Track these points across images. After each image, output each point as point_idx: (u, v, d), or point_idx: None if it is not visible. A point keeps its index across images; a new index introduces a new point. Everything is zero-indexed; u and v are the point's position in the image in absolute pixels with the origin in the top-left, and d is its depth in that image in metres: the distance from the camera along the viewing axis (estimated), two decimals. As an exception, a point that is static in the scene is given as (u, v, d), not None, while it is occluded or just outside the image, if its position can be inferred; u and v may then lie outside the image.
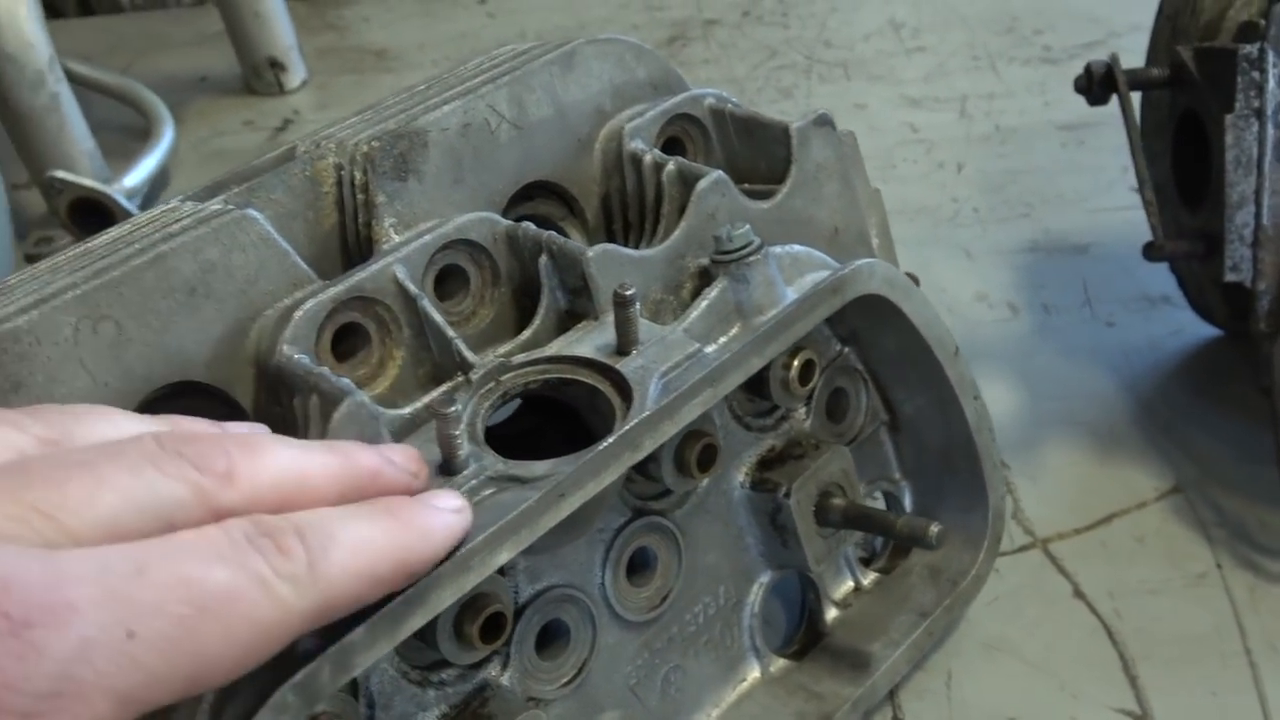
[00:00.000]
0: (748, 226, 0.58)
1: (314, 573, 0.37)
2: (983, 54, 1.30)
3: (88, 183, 1.08)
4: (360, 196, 0.60)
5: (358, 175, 0.60)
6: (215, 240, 0.54)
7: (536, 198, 0.67)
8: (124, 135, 1.30)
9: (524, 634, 0.55)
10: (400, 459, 0.45)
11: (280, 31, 1.38)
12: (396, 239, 0.59)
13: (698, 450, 0.57)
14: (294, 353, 0.53)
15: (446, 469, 0.49)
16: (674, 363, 0.54)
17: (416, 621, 0.45)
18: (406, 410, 0.53)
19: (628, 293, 0.53)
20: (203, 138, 1.33)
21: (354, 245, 0.61)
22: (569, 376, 0.55)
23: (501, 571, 0.54)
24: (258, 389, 0.55)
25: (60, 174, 1.09)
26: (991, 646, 0.69)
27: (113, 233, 0.58)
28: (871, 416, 0.69)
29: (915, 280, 0.75)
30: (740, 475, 0.63)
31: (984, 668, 0.68)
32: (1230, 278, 0.70)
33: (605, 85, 0.67)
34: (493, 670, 0.54)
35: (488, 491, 0.49)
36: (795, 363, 0.61)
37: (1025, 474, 0.79)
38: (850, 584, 0.70)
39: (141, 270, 0.52)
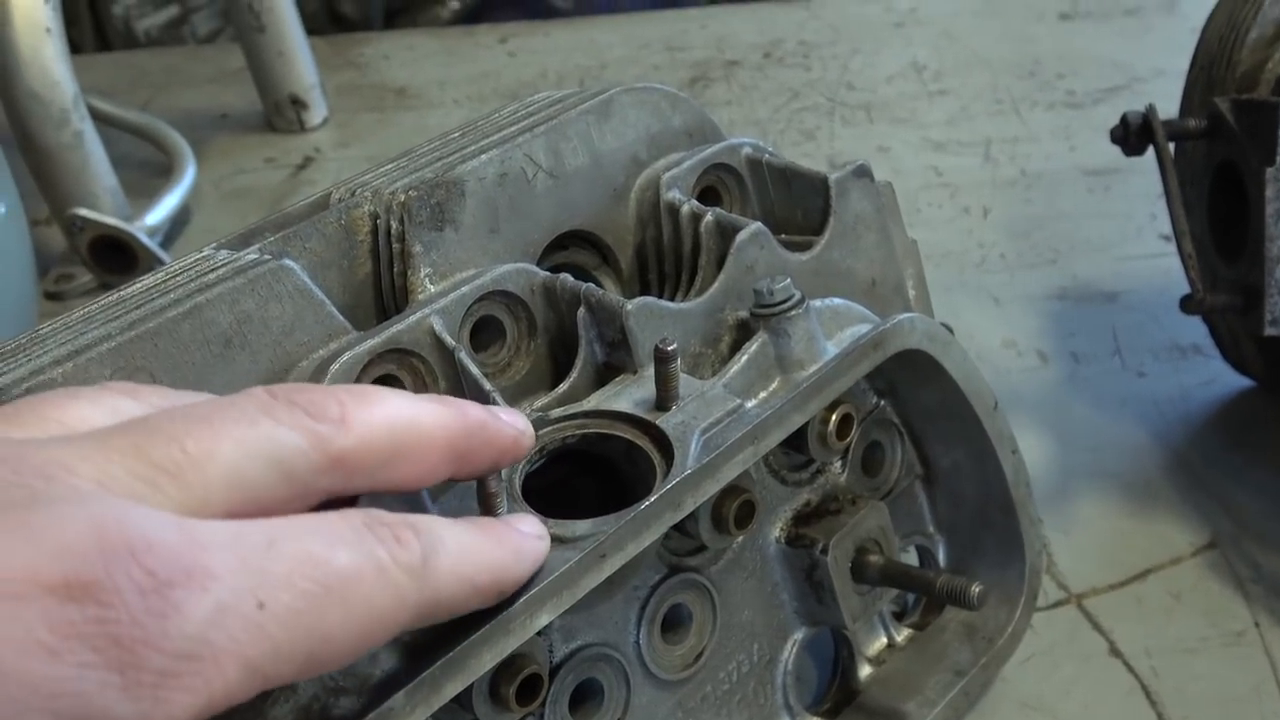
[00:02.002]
0: (788, 280, 0.57)
1: (426, 567, 0.37)
2: (1006, 98, 1.30)
3: (109, 220, 1.08)
4: (396, 246, 0.59)
5: (394, 224, 0.59)
6: (252, 291, 0.54)
7: (571, 246, 0.67)
8: (145, 172, 1.29)
9: (558, 694, 0.54)
10: (507, 416, 0.45)
11: (302, 70, 1.38)
12: (432, 289, 0.59)
13: (735, 507, 0.56)
14: (330, 406, 0.52)
15: (484, 528, 0.49)
16: (715, 419, 0.53)
17: (456, 686, 0.44)
18: (444, 465, 0.52)
19: (669, 348, 0.53)
20: (224, 175, 1.33)
21: (389, 295, 0.61)
22: (607, 431, 0.54)
23: (538, 631, 0.53)
24: (292, 441, 0.54)
25: (82, 212, 1.09)
26: (1028, 706, 0.68)
27: (146, 281, 0.57)
28: (906, 470, 0.68)
29: (950, 330, 0.74)
30: (776, 530, 0.62)
31: (1021, 728, 0.67)
32: (1271, 331, 0.69)
33: (641, 134, 0.67)
34: (527, 732, 0.53)
35: (528, 551, 0.48)
36: (834, 417, 0.61)
37: (1058, 527, 0.78)
38: (884, 640, 0.68)
39: (177, 321, 0.52)
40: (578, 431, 0.55)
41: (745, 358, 0.57)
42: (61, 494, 0.32)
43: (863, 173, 0.66)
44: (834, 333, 0.60)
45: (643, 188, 0.66)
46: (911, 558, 0.70)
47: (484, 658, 0.45)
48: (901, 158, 1.22)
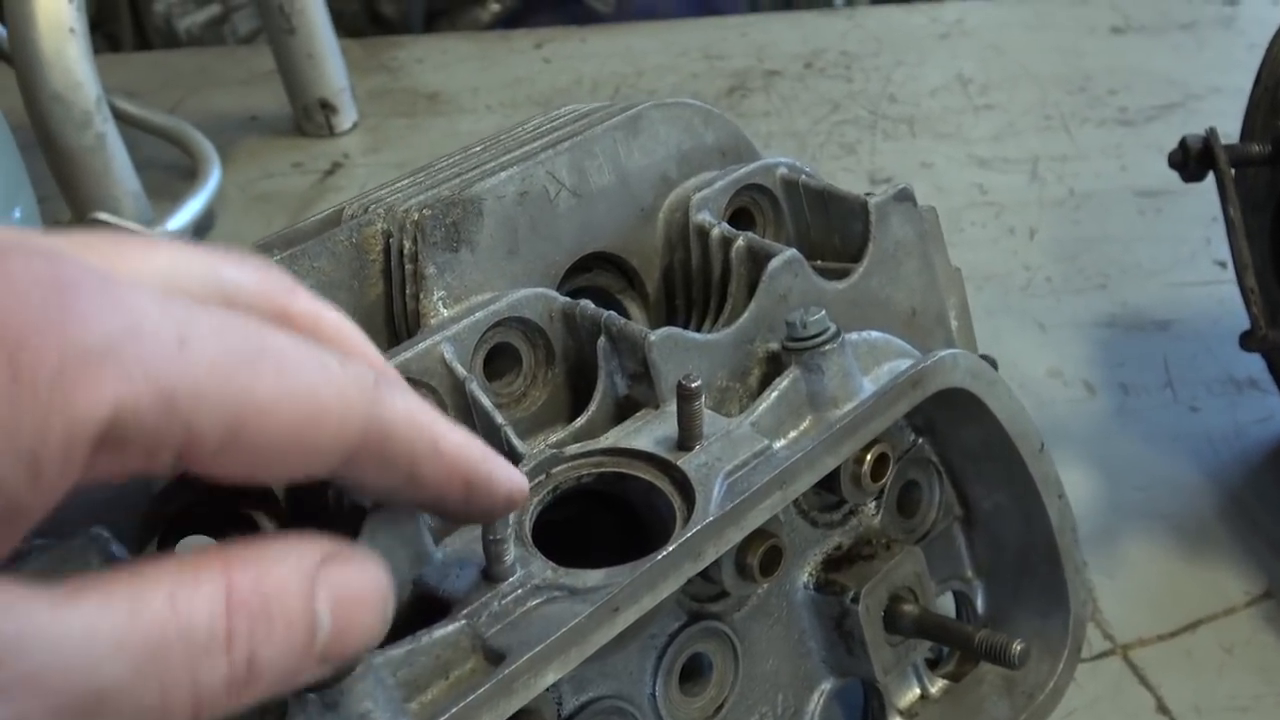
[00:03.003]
0: (823, 312, 0.54)
1: (379, 391, 0.35)
2: (1055, 114, 1.26)
3: (130, 225, 1.06)
4: (409, 267, 0.56)
5: (407, 244, 0.56)
6: (253, 314, 0.51)
7: (595, 269, 0.63)
8: (171, 174, 1.27)
9: (568, 750, 0.51)
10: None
11: (332, 73, 1.35)
12: (445, 314, 0.56)
13: (761, 553, 0.53)
14: (332, 439, 0.49)
15: (490, 574, 0.45)
16: (740, 461, 0.50)
17: (454, 746, 0.41)
18: (450, 505, 0.49)
19: (693, 385, 0.49)
20: (250, 179, 1.31)
21: (400, 319, 0.58)
22: (625, 471, 0.51)
23: (546, 683, 0.50)
24: (292, 473, 0.51)
25: (102, 215, 1.06)
26: (1070, 765, 0.64)
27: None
28: (945, 511, 0.64)
29: (993, 363, 0.71)
30: (804, 575, 0.59)
31: (1062, 789, 0.63)
32: (1338, 372, 0.65)
33: (671, 151, 0.64)
34: (533, 790, 0.50)
35: (534, 602, 0.45)
36: (869, 457, 0.57)
37: (1103, 570, 0.74)
38: (917, 692, 0.65)
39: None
40: (594, 470, 0.52)
41: (775, 394, 0.53)
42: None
43: (904, 196, 0.62)
44: (871, 368, 0.57)
45: (672, 208, 0.63)
46: (948, 602, 0.67)
47: (483, 718, 0.42)
48: (945, 174, 1.17)
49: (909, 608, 0.59)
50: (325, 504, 0.49)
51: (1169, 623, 0.71)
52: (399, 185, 0.62)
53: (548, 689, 0.49)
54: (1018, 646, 0.55)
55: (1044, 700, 0.63)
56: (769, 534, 0.53)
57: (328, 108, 1.37)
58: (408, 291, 0.57)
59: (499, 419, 0.52)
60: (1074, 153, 1.19)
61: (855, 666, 0.59)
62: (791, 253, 0.58)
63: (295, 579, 0.32)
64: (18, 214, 0.89)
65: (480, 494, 0.39)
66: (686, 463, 0.50)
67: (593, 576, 0.46)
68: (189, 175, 1.24)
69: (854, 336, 0.56)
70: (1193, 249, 1.02)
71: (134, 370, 0.29)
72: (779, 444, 0.52)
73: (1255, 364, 0.84)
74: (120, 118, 1.22)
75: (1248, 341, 0.68)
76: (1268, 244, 0.75)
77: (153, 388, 0.30)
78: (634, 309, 0.64)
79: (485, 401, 0.52)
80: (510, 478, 0.41)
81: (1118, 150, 1.18)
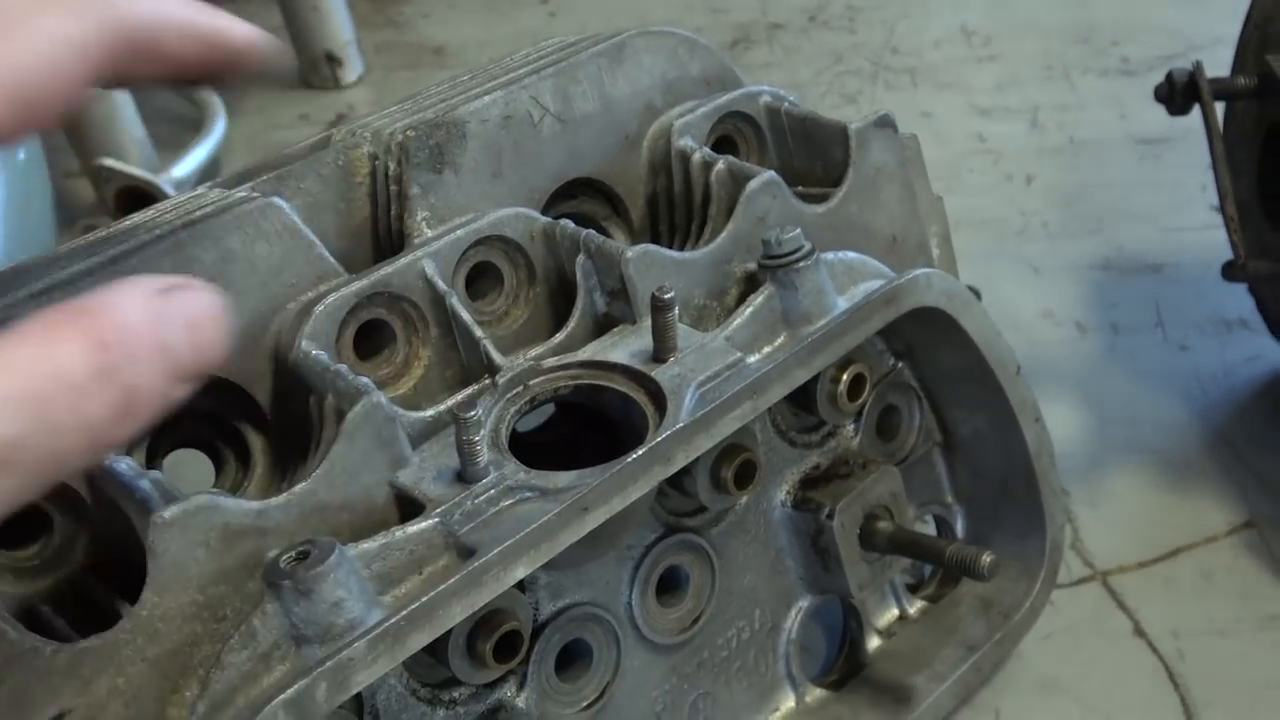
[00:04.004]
0: (798, 230, 0.55)
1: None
2: (1057, 64, 1.25)
3: (135, 171, 1.07)
4: (394, 188, 0.57)
5: (392, 166, 0.57)
6: (237, 228, 0.52)
7: (580, 195, 0.64)
8: (179, 126, 1.29)
9: (543, 653, 0.52)
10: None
11: (338, 26, 1.36)
12: (429, 233, 0.57)
13: (736, 466, 0.54)
14: (312, 349, 0.50)
15: (465, 476, 0.47)
16: (713, 372, 0.51)
17: (422, 639, 0.42)
18: (429, 413, 0.50)
19: (666, 296, 0.50)
20: (257, 130, 1.32)
21: (386, 239, 0.59)
22: (601, 383, 0.52)
23: (521, 587, 0.51)
24: (276, 384, 0.52)
25: (108, 162, 1.08)
26: (1044, 686, 0.65)
27: (136, 218, 0.56)
28: (925, 436, 0.65)
29: (977, 294, 0.71)
30: (782, 493, 0.60)
31: (1036, 707, 0.64)
32: (1318, 301, 0.66)
33: (656, 80, 0.64)
34: (508, 690, 0.51)
35: (507, 502, 0.46)
36: (845, 377, 0.58)
37: (1087, 502, 0.75)
38: (895, 612, 0.66)
39: (159, 257, 0.50)
40: (570, 382, 0.53)
41: (750, 310, 0.54)
42: None
43: (885, 123, 0.63)
44: (847, 287, 0.57)
45: (656, 136, 0.64)
46: (929, 528, 0.68)
47: (453, 609, 0.43)
48: (945, 123, 1.18)
49: (884, 524, 0.60)
50: (307, 414, 0.50)
51: (1150, 551, 0.71)
52: (388, 111, 0.62)
53: (524, 593, 0.51)
54: (987, 558, 0.56)
55: (1019, 620, 0.64)
56: (744, 448, 0.54)
57: (333, 60, 1.38)
58: (393, 212, 0.58)
59: (478, 332, 0.53)
60: (1075, 102, 1.19)
61: (831, 582, 0.61)
62: (770, 175, 0.58)
63: (141, 311, 0.33)
64: (21, 155, 0.90)
65: (217, 48, 0.41)
66: (660, 374, 0.51)
67: (563, 478, 0.47)
68: (196, 127, 1.25)
69: (830, 256, 0.57)
70: (1189, 195, 1.02)
71: None
72: (753, 358, 0.53)
73: (1245, 304, 0.84)
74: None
75: (1229, 271, 0.68)
76: (1254, 178, 0.75)
77: None
78: (619, 235, 0.65)
79: (465, 315, 0.53)
80: (242, 25, 0.42)
81: (1118, 99, 1.18)
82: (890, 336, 0.62)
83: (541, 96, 0.60)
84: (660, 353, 0.52)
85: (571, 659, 0.54)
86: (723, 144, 0.65)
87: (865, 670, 0.64)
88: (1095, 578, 0.70)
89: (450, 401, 0.51)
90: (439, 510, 0.45)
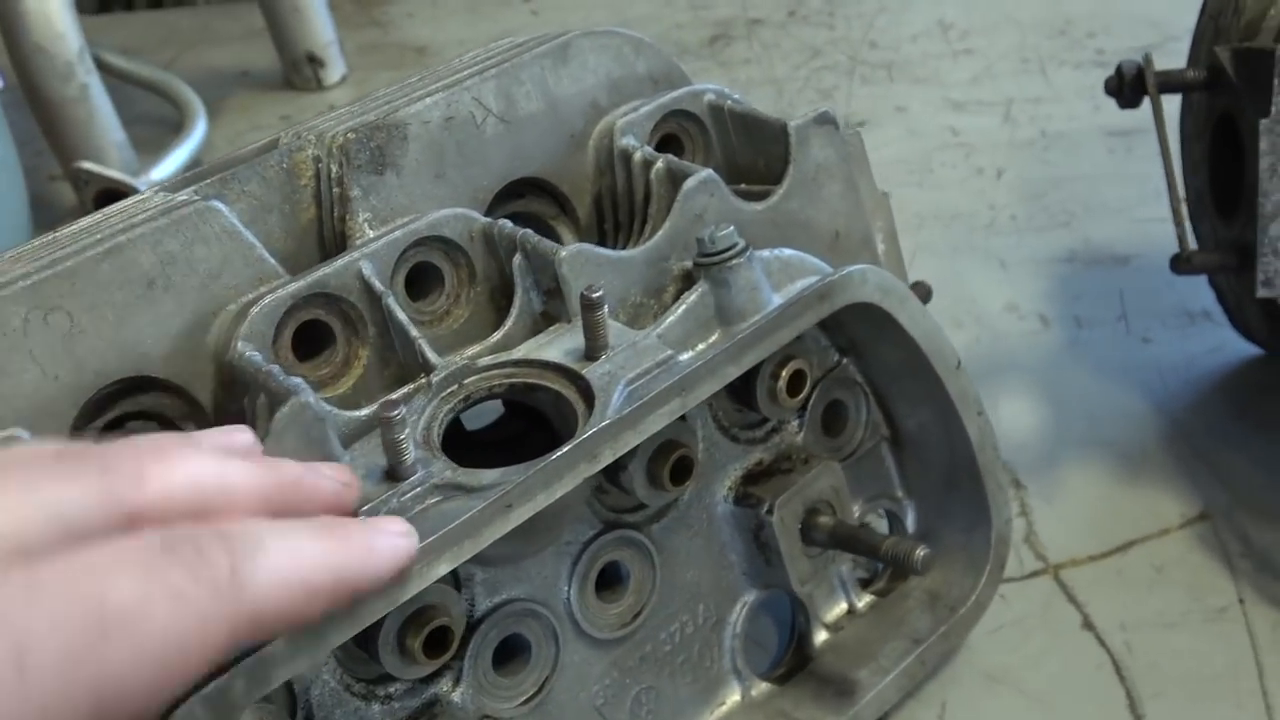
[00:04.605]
0: (732, 228, 0.55)
1: (237, 579, 0.34)
2: (1033, 57, 1.26)
3: (113, 174, 1.08)
4: (336, 190, 0.58)
5: (334, 168, 0.58)
6: (176, 232, 0.53)
7: (527, 195, 0.65)
8: (162, 128, 1.30)
9: (479, 648, 0.53)
10: (329, 470, 0.43)
11: (319, 27, 1.37)
12: (370, 234, 0.58)
13: (671, 462, 0.54)
14: (248, 349, 0.51)
15: (392, 474, 0.47)
16: (642, 369, 0.51)
17: (341, 635, 0.43)
18: (363, 412, 0.51)
19: (594, 295, 0.51)
20: (239, 131, 1.33)
21: (331, 240, 0.59)
22: (534, 381, 0.53)
23: (457, 583, 0.52)
24: (217, 385, 0.53)
25: (86, 165, 1.09)
26: (991, 678, 0.65)
27: (83, 222, 0.57)
28: (872, 431, 0.66)
29: (928, 288, 0.72)
30: (724, 489, 0.61)
31: (982, 700, 0.64)
32: (1263, 293, 0.66)
33: (601, 79, 0.65)
34: (444, 685, 0.52)
35: (432, 500, 0.47)
36: (784, 373, 0.58)
37: (1042, 495, 0.75)
38: (843, 606, 0.66)
39: (97, 261, 0.51)
40: (504, 381, 0.53)
41: (683, 308, 0.54)
42: None
43: (826, 120, 0.63)
44: (783, 284, 0.58)
45: (601, 135, 0.64)
46: (882, 522, 0.68)
47: (374, 606, 0.43)
48: (919, 117, 1.18)
49: (824, 519, 0.60)
50: (243, 413, 0.51)
51: (1102, 543, 0.72)
52: (337, 113, 0.63)
53: (459, 589, 0.52)
54: (920, 552, 0.56)
55: (965, 613, 0.65)
56: (680, 444, 0.55)
57: (315, 61, 1.38)
58: (336, 214, 0.58)
59: (413, 332, 0.54)
60: (1049, 95, 1.19)
61: (774, 577, 0.61)
62: (707, 173, 0.59)
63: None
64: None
65: (369, 584, 0.40)
66: (591, 371, 0.52)
67: (489, 475, 0.47)
68: (177, 128, 1.26)
69: (765, 254, 0.57)
70: (1158, 186, 1.01)
71: None
72: (685, 355, 0.53)
73: (1209, 295, 0.84)
74: (109, 71, 1.24)
75: (1176, 264, 0.69)
76: (1207, 171, 0.75)
77: None
78: (566, 234, 0.66)
79: (400, 315, 0.54)
80: (388, 545, 0.41)
81: (1092, 92, 1.18)
82: (834, 332, 0.63)
83: (484, 97, 0.61)
84: (592, 351, 0.52)
85: (510, 653, 0.54)
86: (668, 142, 0.66)
87: (812, 664, 0.64)
88: (1047, 571, 0.71)
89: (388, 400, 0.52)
90: (365, 508, 0.46)
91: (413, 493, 0.47)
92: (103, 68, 1.18)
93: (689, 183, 0.58)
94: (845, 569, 0.66)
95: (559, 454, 0.47)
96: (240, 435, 0.43)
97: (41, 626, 0.30)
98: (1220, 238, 0.73)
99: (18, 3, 1.05)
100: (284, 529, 0.37)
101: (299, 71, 1.39)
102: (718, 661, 0.62)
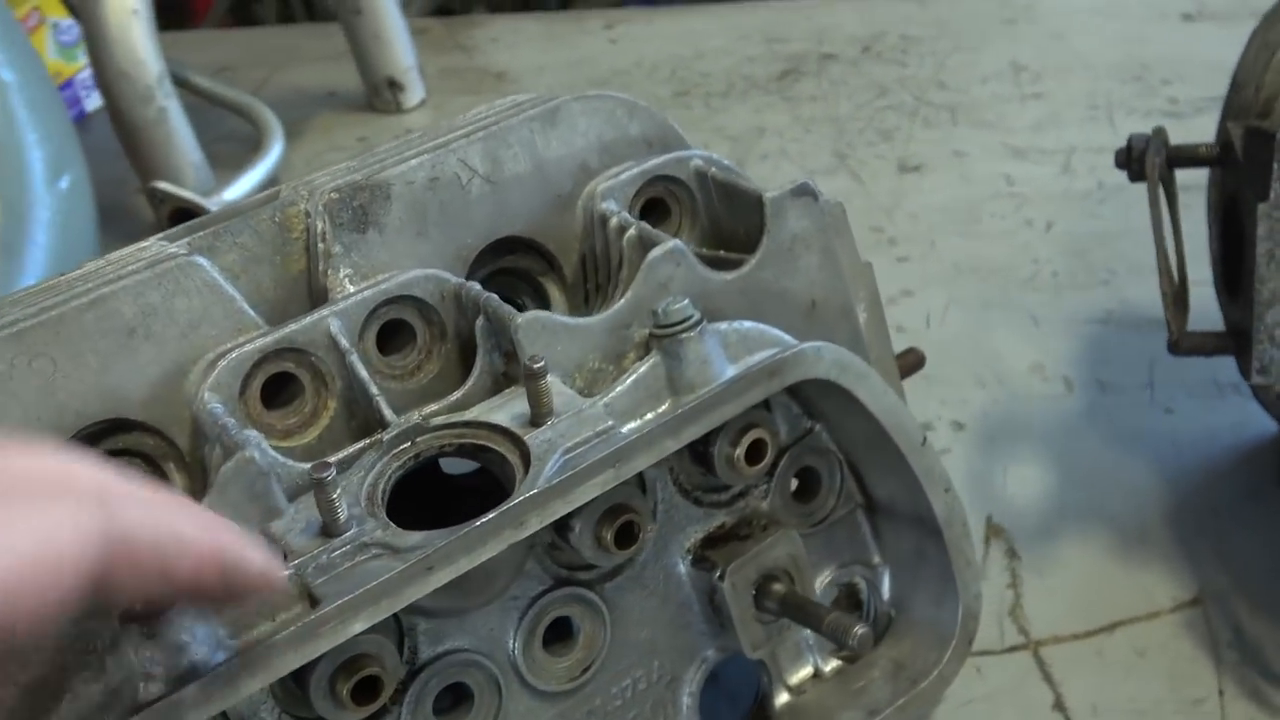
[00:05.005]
0: (686, 301, 0.56)
1: (108, 505, 0.38)
2: (1102, 104, 1.23)
3: (185, 194, 1.14)
4: (321, 246, 0.61)
5: (320, 225, 0.61)
6: (158, 284, 0.56)
7: (518, 251, 0.67)
8: (245, 147, 1.35)
9: (420, 695, 0.55)
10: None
11: (399, 53, 1.42)
12: (350, 289, 0.60)
13: (616, 527, 0.56)
14: (212, 401, 0.54)
15: (327, 530, 0.50)
16: (582, 439, 0.53)
17: (255, 684, 0.45)
18: (309, 465, 0.53)
19: (536, 365, 0.52)
20: (317, 151, 1.38)
21: (318, 292, 0.62)
22: (481, 443, 0.55)
23: (401, 631, 0.54)
24: (191, 432, 0.56)
25: (161, 185, 1.15)
26: (953, 752, 0.65)
27: (88, 268, 0.60)
28: (846, 498, 0.66)
29: (920, 356, 0.72)
30: (682, 550, 0.62)
31: (938, 775, 0.64)
32: (1257, 380, 0.65)
33: (592, 142, 0.67)
34: (382, 729, 0.54)
35: (361, 557, 0.49)
36: (744, 440, 0.59)
37: (1034, 568, 0.75)
38: (809, 670, 0.67)
39: (81, 311, 0.55)
40: (455, 441, 0.55)
41: (632, 378, 0.56)
42: None
43: (803, 191, 0.64)
44: (741, 356, 0.59)
45: (588, 196, 0.66)
46: (861, 587, 0.68)
47: (287, 658, 0.46)
48: (976, 163, 1.17)
49: (778, 587, 0.61)
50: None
51: (1088, 622, 0.71)
52: (337, 168, 0.66)
53: (394, 638, 0.54)
54: (859, 630, 0.57)
55: (927, 687, 0.65)
56: (628, 509, 0.56)
57: (395, 85, 1.43)
58: (318, 268, 0.61)
59: (373, 389, 0.56)
60: (1112, 144, 1.15)
61: (729, 641, 0.62)
62: (674, 244, 0.60)
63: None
64: (64, 184, 0.97)
65: (236, 565, 0.41)
66: (533, 438, 0.53)
67: (413, 538, 0.50)
68: (256, 146, 1.31)
69: (724, 326, 0.58)
70: (1204, 246, 1.00)
71: None
72: (631, 424, 0.55)
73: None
74: (193, 91, 1.30)
75: (1171, 347, 0.68)
76: (1218, 249, 0.74)
77: None
78: (554, 291, 0.68)
79: (362, 373, 0.56)
80: (261, 555, 0.42)
81: (1157, 143, 1.15)
82: (804, 403, 0.63)
83: (470, 159, 0.63)
84: (537, 417, 0.54)
85: (456, 701, 0.57)
86: (656, 206, 0.67)
87: (769, 726, 0.65)
88: (1028, 646, 0.70)
89: (337, 456, 0.55)
90: (296, 561, 0.49)
91: (342, 550, 0.49)
92: (187, 87, 1.25)
93: (654, 252, 0.60)
94: (799, 635, 0.66)
95: (484, 520, 0.49)
96: None
97: None
98: (1228, 316, 0.72)
99: (103, 30, 1.11)
100: (157, 494, 0.41)
101: (379, 95, 1.44)
102: (672, 718, 0.63)
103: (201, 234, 0.61)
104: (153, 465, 0.58)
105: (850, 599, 0.71)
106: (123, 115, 1.15)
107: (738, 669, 0.68)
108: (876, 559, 0.68)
